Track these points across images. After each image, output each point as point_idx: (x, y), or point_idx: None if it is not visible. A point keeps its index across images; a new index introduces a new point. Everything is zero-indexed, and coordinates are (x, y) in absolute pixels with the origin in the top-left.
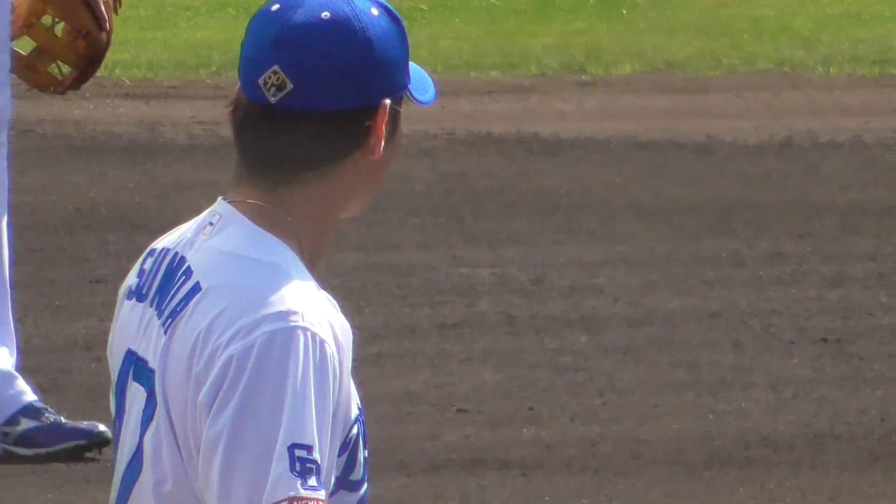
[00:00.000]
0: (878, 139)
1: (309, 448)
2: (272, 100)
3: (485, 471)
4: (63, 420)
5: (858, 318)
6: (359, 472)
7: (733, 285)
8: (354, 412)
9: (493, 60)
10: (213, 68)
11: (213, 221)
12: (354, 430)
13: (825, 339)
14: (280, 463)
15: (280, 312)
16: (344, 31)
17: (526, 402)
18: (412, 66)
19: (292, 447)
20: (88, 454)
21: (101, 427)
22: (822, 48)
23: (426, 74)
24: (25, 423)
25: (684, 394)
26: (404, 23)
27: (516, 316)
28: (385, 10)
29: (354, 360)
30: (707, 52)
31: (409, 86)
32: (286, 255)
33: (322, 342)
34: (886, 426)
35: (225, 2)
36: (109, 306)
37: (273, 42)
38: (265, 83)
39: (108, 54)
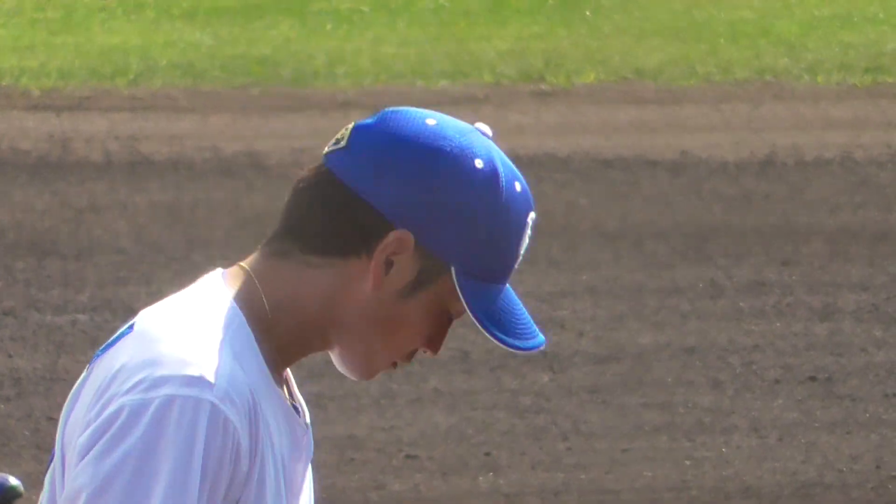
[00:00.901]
0: (869, 156)
1: None
2: (325, 149)
3: None
4: None
5: (850, 355)
6: None
7: (711, 318)
8: None
9: (442, 68)
10: (131, 76)
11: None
12: None
13: (813, 378)
14: None
15: (190, 377)
16: (433, 149)
17: (482, 447)
18: (519, 308)
19: None
20: None
21: (12, 480)
22: (808, 54)
23: (532, 329)
24: None
25: (658, 438)
26: (505, 202)
27: (470, 352)
28: (492, 168)
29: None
30: (680, 59)
31: (460, 267)
32: (234, 323)
33: (227, 422)
34: (882, 474)
35: (143, 2)
36: (17, 340)
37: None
38: (335, 138)
39: (14, 61)
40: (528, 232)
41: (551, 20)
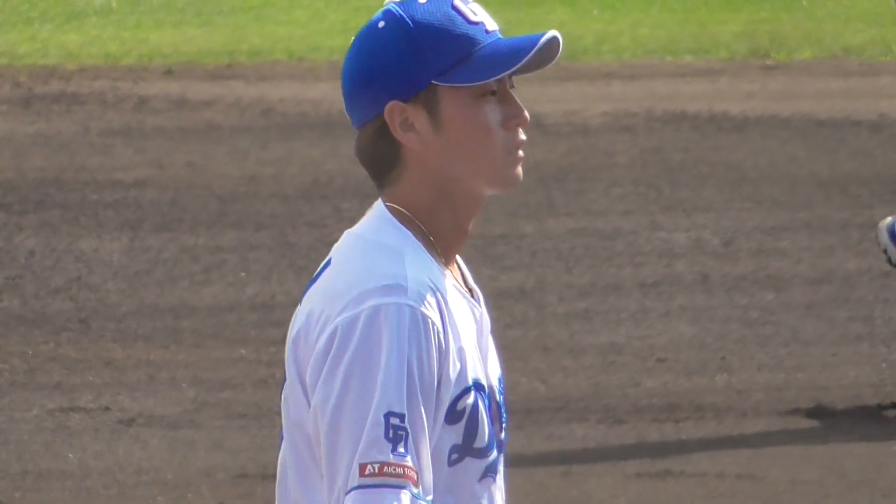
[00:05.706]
0: None
1: (402, 416)
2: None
3: (681, 414)
4: None
5: None
6: (483, 440)
7: None
8: (467, 383)
9: (687, 46)
10: None
11: (367, 213)
12: (470, 400)
13: None
14: (375, 428)
15: (387, 287)
16: (351, 54)
17: (718, 352)
18: (490, 46)
19: (388, 415)
20: None
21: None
22: None
23: (514, 48)
24: None
25: (860, 345)
26: (417, 22)
27: (709, 275)
28: (391, 17)
29: (565, 314)
30: (879, 40)
31: (437, 78)
32: (406, 240)
33: (425, 318)
34: None
35: None
36: None
37: None
38: None
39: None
40: (462, 6)
41: (776, 7)
